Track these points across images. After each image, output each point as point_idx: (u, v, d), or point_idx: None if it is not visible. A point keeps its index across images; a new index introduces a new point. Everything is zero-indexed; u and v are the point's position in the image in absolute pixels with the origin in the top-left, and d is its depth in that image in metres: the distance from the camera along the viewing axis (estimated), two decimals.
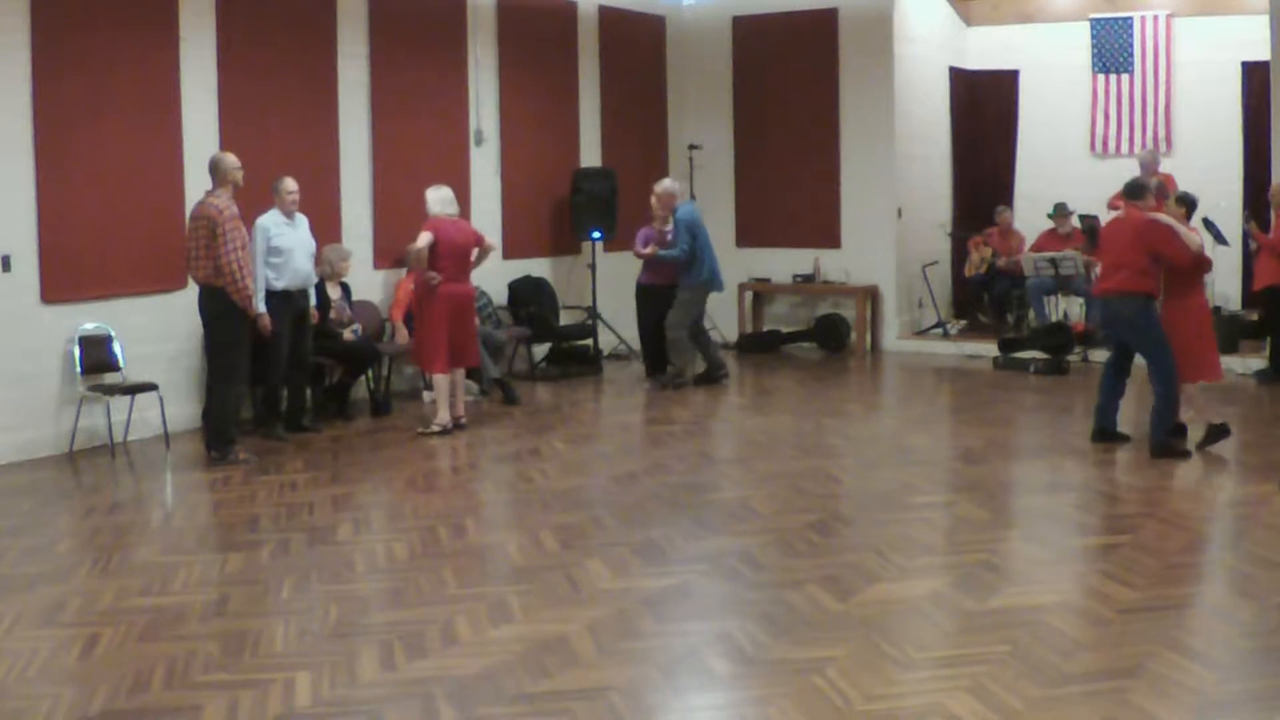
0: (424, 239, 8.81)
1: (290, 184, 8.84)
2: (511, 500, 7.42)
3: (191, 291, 9.06)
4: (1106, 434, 8.28)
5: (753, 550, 6.08)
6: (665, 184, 11.07)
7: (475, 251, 9.25)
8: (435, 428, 8.95)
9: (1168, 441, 7.92)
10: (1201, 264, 7.97)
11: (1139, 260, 7.82)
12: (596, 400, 10.80)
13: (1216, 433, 8.04)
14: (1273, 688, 4.32)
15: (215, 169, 8.15)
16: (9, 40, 8.07)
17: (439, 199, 9.04)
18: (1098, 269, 12.28)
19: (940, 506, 7.04)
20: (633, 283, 12.92)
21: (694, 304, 10.88)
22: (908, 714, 4.19)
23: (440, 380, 9.02)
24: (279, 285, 8.69)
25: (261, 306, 8.37)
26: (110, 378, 8.61)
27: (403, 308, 10.12)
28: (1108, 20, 13.65)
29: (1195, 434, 8.09)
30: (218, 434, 8.17)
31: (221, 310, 8.08)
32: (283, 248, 8.75)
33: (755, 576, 5.70)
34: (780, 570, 5.78)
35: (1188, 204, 8.42)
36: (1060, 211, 12.67)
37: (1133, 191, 8.17)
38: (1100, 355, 11.75)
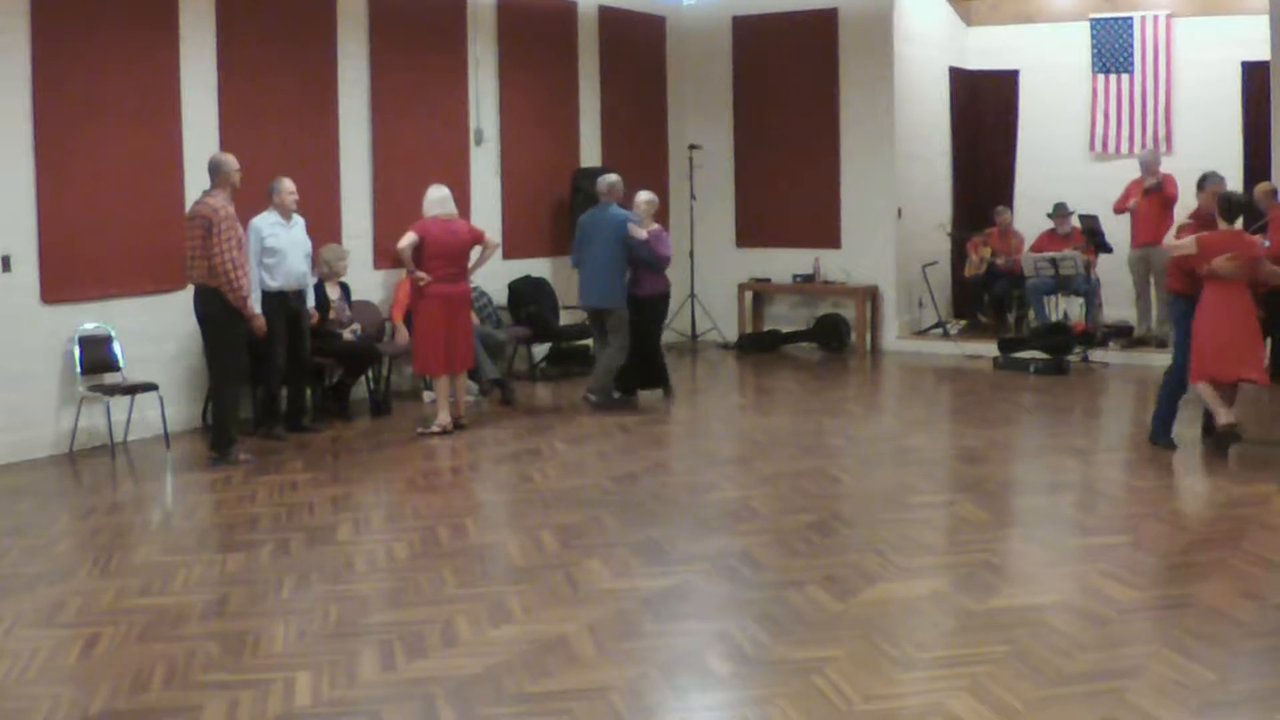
0: (405, 240, 8.82)
1: (290, 184, 8.85)
2: (511, 500, 7.42)
3: (192, 293, 9.09)
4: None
5: (753, 550, 6.08)
6: (609, 178, 10.14)
7: (479, 250, 9.25)
8: (435, 428, 8.95)
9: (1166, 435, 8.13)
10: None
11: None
12: None
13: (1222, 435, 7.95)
14: (1273, 688, 4.33)
15: (216, 170, 8.16)
16: (9, 40, 8.08)
17: (430, 199, 9.03)
18: (1097, 269, 12.43)
19: (940, 506, 7.04)
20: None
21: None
22: (908, 714, 4.19)
23: (440, 381, 9.03)
24: (274, 286, 8.71)
25: (257, 307, 8.36)
26: (110, 378, 8.61)
27: (402, 308, 10.12)
28: (1108, 20, 13.65)
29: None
30: (218, 434, 8.18)
31: (217, 310, 8.09)
32: (277, 248, 8.76)
33: (755, 576, 5.70)
34: (780, 570, 5.78)
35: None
36: (1060, 211, 12.67)
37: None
38: (1099, 355, 11.81)
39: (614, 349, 9.85)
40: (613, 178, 10.09)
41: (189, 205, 9.02)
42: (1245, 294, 7.90)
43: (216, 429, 8.20)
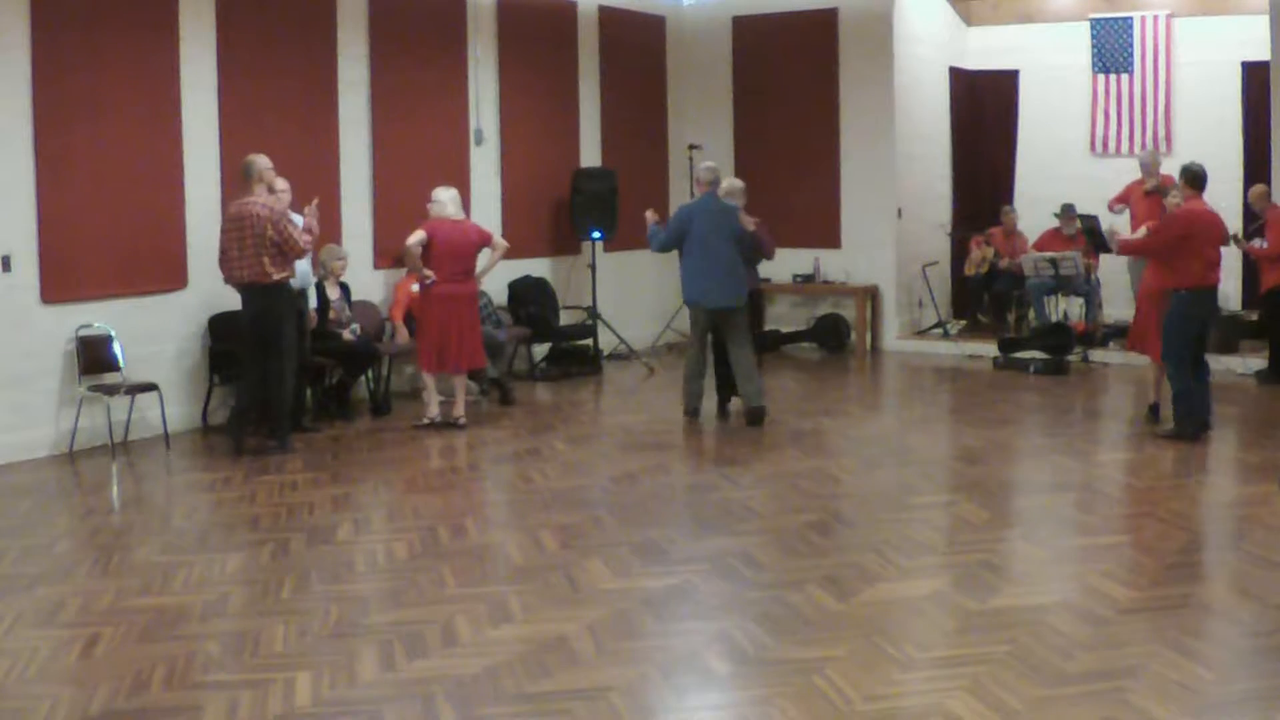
0: (415, 237, 8.87)
1: (283, 183, 8.84)
2: (511, 500, 7.42)
3: (192, 293, 9.12)
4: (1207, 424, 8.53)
5: (753, 550, 6.08)
6: (712, 165, 9.57)
7: (487, 252, 9.28)
8: (425, 420, 9.13)
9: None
10: None
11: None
12: (596, 400, 10.79)
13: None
14: (1273, 688, 4.33)
15: (248, 171, 8.30)
16: (9, 40, 8.07)
17: (441, 199, 9.08)
18: (1097, 270, 12.43)
19: (940, 506, 7.04)
20: (632, 282, 12.94)
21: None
22: (908, 714, 4.19)
23: (427, 376, 9.19)
24: None
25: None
26: (110, 378, 8.60)
27: (402, 308, 10.13)
28: (1108, 20, 13.64)
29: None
30: (280, 421, 8.35)
31: (272, 304, 8.21)
32: None
33: (755, 576, 5.70)
34: (780, 570, 5.78)
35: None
36: (1067, 213, 12.63)
37: (1203, 180, 8.52)
38: (1099, 355, 11.81)
39: (746, 349, 9.18)
40: (712, 164, 9.50)
41: (190, 205, 9.09)
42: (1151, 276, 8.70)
43: (279, 417, 8.34)
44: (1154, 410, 8.93)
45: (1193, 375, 8.32)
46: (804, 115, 13.45)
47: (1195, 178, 8.42)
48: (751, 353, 9.26)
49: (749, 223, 9.25)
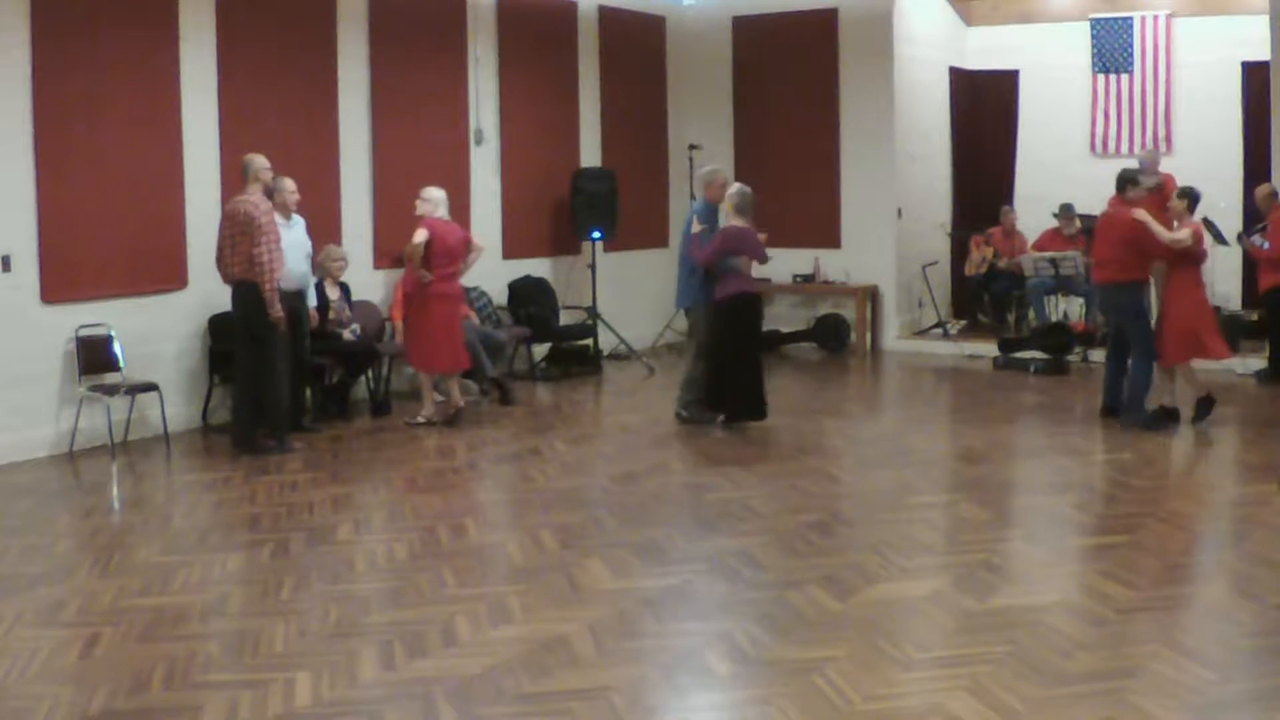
0: (420, 236, 8.90)
1: (290, 183, 8.86)
2: (511, 500, 7.42)
3: (192, 293, 9.12)
4: (1113, 410, 9.04)
5: (753, 550, 6.08)
6: (701, 170, 9.71)
7: (468, 254, 9.32)
8: (420, 419, 9.18)
9: (1147, 418, 8.68)
10: (1190, 253, 8.71)
11: (1122, 255, 8.76)
12: (596, 400, 10.79)
13: (1206, 405, 8.75)
14: (1273, 688, 4.33)
15: (245, 169, 8.29)
16: (9, 40, 8.07)
17: (434, 199, 9.11)
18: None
19: (940, 506, 7.04)
20: (633, 282, 12.93)
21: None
22: (908, 714, 4.19)
23: (423, 375, 9.29)
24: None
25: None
26: (110, 378, 8.60)
27: (402, 308, 10.12)
28: (1108, 20, 13.65)
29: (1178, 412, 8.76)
30: (275, 421, 8.34)
31: (261, 303, 8.18)
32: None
33: (755, 576, 5.70)
34: (780, 570, 5.78)
35: (1190, 198, 9.06)
36: (1066, 213, 12.63)
37: (1120, 184, 9.03)
38: (1099, 355, 11.79)
39: (690, 357, 9.28)
40: (703, 170, 9.47)
41: (190, 205, 9.09)
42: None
43: (275, 415, 8.32)
44: (1164, 410, 8.80)
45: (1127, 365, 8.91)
46: (804, 115, 13.46)
47: (1117, 182, 9.09)
48: (693, 361, 9.21)
49: (696, 226, 9.03)
